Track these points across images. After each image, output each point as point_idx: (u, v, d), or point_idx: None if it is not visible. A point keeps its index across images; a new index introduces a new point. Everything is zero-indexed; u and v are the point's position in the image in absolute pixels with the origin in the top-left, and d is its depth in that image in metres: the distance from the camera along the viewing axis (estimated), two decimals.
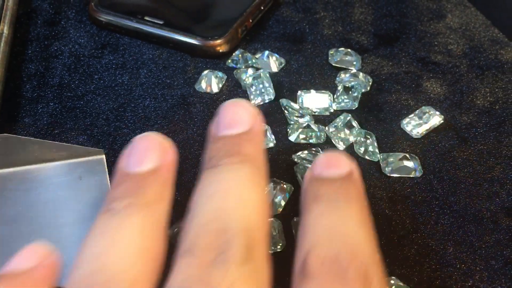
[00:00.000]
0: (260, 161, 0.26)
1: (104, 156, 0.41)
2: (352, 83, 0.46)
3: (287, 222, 0.37)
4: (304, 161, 0.40)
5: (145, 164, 0.25)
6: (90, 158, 0.41)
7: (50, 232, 0.36)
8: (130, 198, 0.24)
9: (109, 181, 0.39)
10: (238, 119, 0.27)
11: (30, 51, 0.50)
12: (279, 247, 0.35)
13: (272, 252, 0.35)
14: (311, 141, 0.43)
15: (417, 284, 0.34)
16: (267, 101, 0.46)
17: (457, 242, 0.36)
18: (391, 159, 0.41)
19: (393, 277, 0.33)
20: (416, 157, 0.41)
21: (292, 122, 0.44)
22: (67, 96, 0.46)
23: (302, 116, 0.44)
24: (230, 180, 0.24)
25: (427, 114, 0.44)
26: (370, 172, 0.41)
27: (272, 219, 0.37)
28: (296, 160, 0.41)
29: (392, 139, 0.43)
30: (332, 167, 0.26)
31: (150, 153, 0.26)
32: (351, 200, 0.24)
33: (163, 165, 0.26)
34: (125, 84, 0.47)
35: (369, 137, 0.42)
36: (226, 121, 0.27)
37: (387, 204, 0.39)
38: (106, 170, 0.40)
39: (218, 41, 0.49)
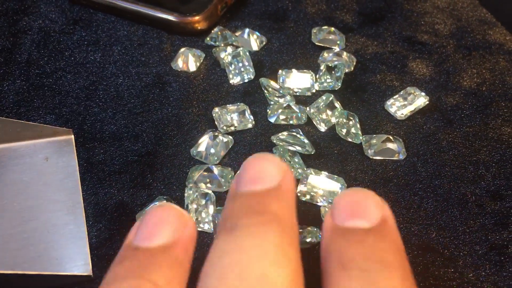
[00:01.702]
0: (291, 223, 0.21)
1: (72, 136, 0.39)
2: (335, 62, 0.44)
3: None
4: (284, 143, 0.39)
5: (156, 239, 0.20)
6: (58, 138, 0.39)
7: (12, 217, 0.34)
8: (132, 279, 0.19)
9: (77, 163, 0.37)
10: (265, 174, 0.22)
11: None
12: None
13: None
14: (291, 122, 0.41)
15: None
16: (246, 80, 0.44)
17: (441, 227, 0.35)
18: (374, 141, 0.39)
19: None
20: (400, 139, 0.40)
21: (272, 103, 0.42)
22: (35, 73, 0.44)
23: (282, 96, 0.42)
24: (251, 249, 0.18)
25: (412, 95, 0.43)
26: (352, 155, 0.39)
27: None
28: (275, 141, 0.39)
29: (376, 121, 0.42)
30: (360, 216, 0.20)
31: (164, 226, 0.21)
32: (390, 269, 0.18)
33: (178, 241, 0.21)
34: (97, 61, 0.45)
35: (351, 118, 0.40)
36: (250, 175, 0.22)
37: (368, 187, 0.37)
38: (75, 151, 0.38)
39: (196, 18, 0.47)
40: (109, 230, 0.34)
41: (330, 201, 0.35)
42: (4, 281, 0.29)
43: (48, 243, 0.33)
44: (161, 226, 0.21)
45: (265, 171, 0.22)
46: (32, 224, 0.34)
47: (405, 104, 0.42)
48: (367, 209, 0.20)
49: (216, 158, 0.38)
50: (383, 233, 0.19)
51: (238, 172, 0.23)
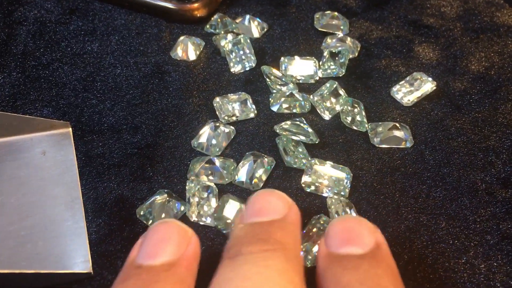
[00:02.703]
0: (296, 252, 0.20)
1: (70, 129, 0.38)
2: (339, 48, 0.43)
3: None
4: (287, 132, 0.38)
5: (159, 257, 0.20)
6: (55, 131, 0.38)
7: (10, 213, 0.33)
8: None
9: (75, 157, 0.36)
10: (271, 207, 0.22)
11: None
12: None
13: None
14: (294, 110, 0.40)
15: (407, 262, 0.31)
16: (247, 68, 0.43)
17: (450, 216, 0.34)
18: (380, 129, 0.38)
19: None
20: (407, 126, 0.39)
21: (274, 91, 0.41)
22: (31, 65, 0.43)
23: (285, 84, 0.41)
24: (254, 276, 0.17)
25: (418, 81, 0.41)
26: (358, 143, 0.38)
27: None
28: (278, 131, 0.38)
29: (381, 108, 0.41)
30: (353, 242, 0.20)
31: (167, 244, 0.20)
32: None
33: (181, 259, 0.20)
34: (95, 52, 0.44)
35: (356, 105, 0.39)
36: (256, 208, 0.22)
37: (375, 177, 0.36)
38: (73, 144, 0.37)
39: (196, 5, 0.46)
40: (109, 225, 0.33)
41: (335, 191, 0.34)
42: (2, 279, 0.28)
43: (46, 240, 0.32)
44: (164, 243, 0.20)
45: (270, 204, 0.22)
46: (30, 220, 0.33)
47: (412, 90, 0.41)
48: (360, 236, 0.20)
49: (217, 149, 0.37)
50: (377, 258, 0.19)
51: (244, 206, 0.23)
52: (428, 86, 0.41)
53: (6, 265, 0.30)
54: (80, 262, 0.31)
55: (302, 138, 0.37)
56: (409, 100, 0.41)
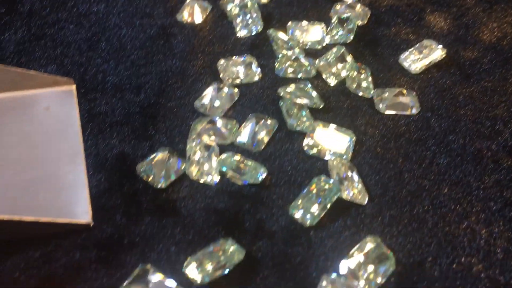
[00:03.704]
0: None
1: (74, 87, 0.38)
2: (348, 14, 0.42)
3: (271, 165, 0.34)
4: (291, 95, 0.37)
5: None
6: (59, 88, 0.37)
7: (12, 166, 0.33)
8: None
9: (78, 114, 0.36)
10: None
11: None
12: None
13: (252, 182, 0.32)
14: (299, 75, 0.39)
15: (406, 225, 0.31)
16: (254, 33, 0.42)
17: (453, 183, 0.33)
18: (386, 95, 0.37)
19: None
20: (414, 93, 0.38)
21: (280, 55, 0.41)
22: (37, 24, 0.42)
23: (291, 48, 0.41)
24: None
25: (428, 48, 0.40)
26: (363, 109, 0.38)
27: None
28: (282, 94, 0.37)
29: (389, 75, 0.40)
30: None
31: None
32: None
33: None
34: (101, 12, 0.44)
35: (363, 71, 0.39)
36: None
37: (379, 142, 0.35)
38: (76, 101, 0.37)
39: None
40: (109, 181, 0.33)
41: (338, 154, 0.34)
42: (2, 227, 0.29)
43: (47, 192, 0.32)
44: None
45: None
46: (31, 173, 0.33)
47: (420, 58, 0.40)
48: None
49: (220, 111, 0.37)
50: None
51: None
52: (437, 53, 0.40)
53: (6, 214, 0.30)
54: (80, 213, 0.31)
55: (306, 101, 0.37)
56: (417, 68, 0.40)
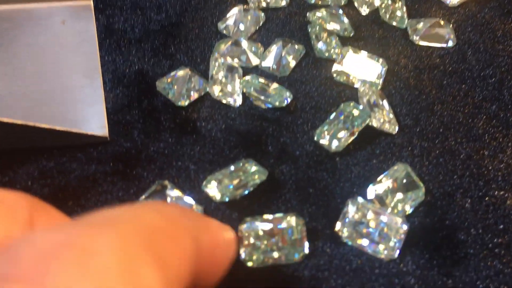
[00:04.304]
0: None
1: (91, 1, 0.36)
2: None
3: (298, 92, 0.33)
4: (321, 20, 0.35)
5: None
6: (75, 2, 0.36)
7: (26, 77, 0.32)
8: None
9: (95, 29, 0.35)
10: None
11: None
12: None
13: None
14: (330, 2, 0.37)
15: (438, 156, 0.30)
16: None
17: (489, 116, 0.31)
18: (421, 26, 0.35)
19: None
20: (450, 25, 0.36)
21: None
22: None
23: None
24: None
25: None
26: (396, 39, 0.35)
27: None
28: (311, 19, 0.35)
29: (425, 7, 0.38)
30: None
31: None
32: None
33: None
34: None
35: (398, 1, 0.36)
36: None
37: (411, 72, 0.34)
38: (93, 16, 0.35)
39: None
40: (127, 96, 0.32)
41: (368, 83, 0.32)
42: (16, 133, 0.27)
43: (62, 104, 0.31)
44: None
45: None
46: (46, 85, 0.31)
47: None
48: None
49: (245, 34, 0.35)
50: None
51: None
52: None
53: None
54: (96, 127, 0.30)
55: (336, 27, 0.35)
56: (455, 0, 0.37)
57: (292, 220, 0.25)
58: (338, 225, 0.26)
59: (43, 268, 0.11)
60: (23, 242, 0.11)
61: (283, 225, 0.25)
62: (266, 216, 0.26)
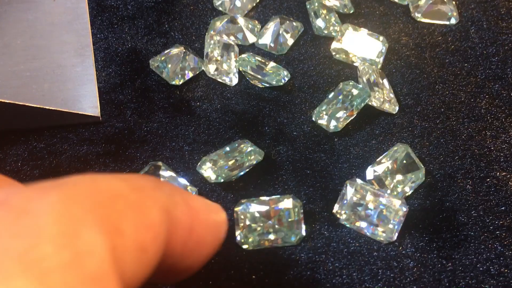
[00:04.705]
0: None
1: None
2: None
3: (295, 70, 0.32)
4: None
5: None
6: None
7: (15, 54, 0.31)
8: None
9: (87, 5, 0.33)
10: None
11: None
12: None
13: None
14: None
15: (438, 136, 0.29)
16: None
17: (492, 96, 0.31)
18: (423, 2, 0.34)
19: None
20: (453, 1, 0.35)
21: None
22: None
23: None
24: None
25: None
26: (397, 16, 0.34)
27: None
28: None
29: None
30: None
31: None
32: None
33: None
34: None
35: None
36: None
37: (412, 51, 0.33)
38: None
39: None
40: (119, 75, 0.31)
41: (368, 61, 0.31)
42: (6, 113, 0.27)
43: (53, 83, 0.30)
44: None
45: None
46: (36, 63, 0.31)
47: None
48: None
49: (241, 11, 0.34)
50: None
51: None
52: None
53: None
54: (88, 107, 0.29)
55: (336, 4, 0.34)
56: None
57: (289, 201, 0.25)
58: (336, 207, 0.26)
59: None
60: None
61: (280, 206, 0.24)
62: (262, 198, 0.25)
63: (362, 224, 0.25)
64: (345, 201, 0.25)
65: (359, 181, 0.25)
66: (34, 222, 0.10)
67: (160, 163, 0.26)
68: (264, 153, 0.27)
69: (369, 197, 0.25)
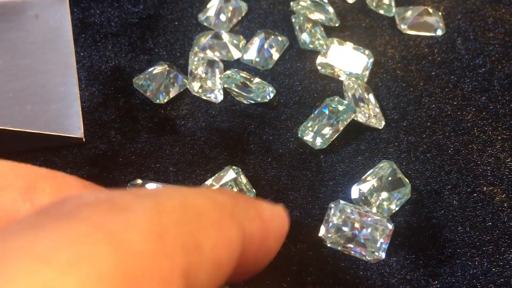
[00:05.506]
0: None
1: None
2: None
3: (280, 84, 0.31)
4: (305, 10, 0.34)
5: None
6: None
7: (0, 75, 0.30)
8: None
9: (70, 23, 0.33)
10: None
11: None
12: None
13: None
14: None
15: (425, 152, 0.29)
16: None
17: (478, 109, 0.30)
18: (409, 14, 0.34)
19: None
20: (439, 13, 0.34)
21: None
22: None
23: None
24: None
25: None
26: (383, 29, 0.34)
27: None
28: (295, 8, 0.34)
29: None
30: None
31: None
32: None
33: None
34: None
35: None
36: None
37: (398, 64, 0.32)
38: (68, 9, 0.34)
39: None
40: (103, 94, 0.30)
41: (354, 75, 0.31)
42: None
43: (35, 104, 0.29)
44: None
45: None
46: (18, 83, 0.30)
47: None
48: None
49: (226, 26, 0.34)
50: None
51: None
52: None
53: None
54: (72, 129, 0.29)
55: (321, 17, 0.34)
56: None
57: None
58: (322, 230, 0.25)
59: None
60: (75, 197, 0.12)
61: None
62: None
63: (349, 246, 0.25)
64: (330, 224, 0.25)
65: (342, 202, 0.25)
66: (130, 217, 0.11)
67: (139, 181, 0.26)
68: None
69: (355, 217, 0.25)
